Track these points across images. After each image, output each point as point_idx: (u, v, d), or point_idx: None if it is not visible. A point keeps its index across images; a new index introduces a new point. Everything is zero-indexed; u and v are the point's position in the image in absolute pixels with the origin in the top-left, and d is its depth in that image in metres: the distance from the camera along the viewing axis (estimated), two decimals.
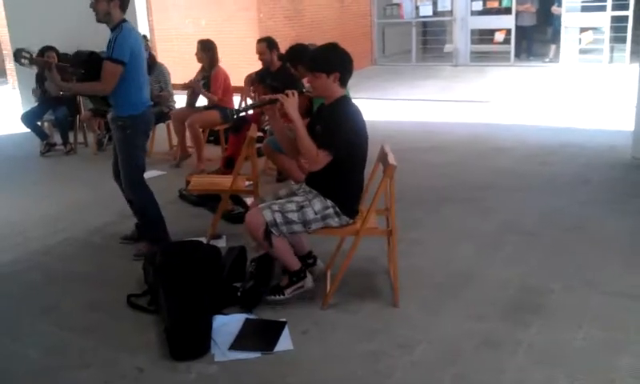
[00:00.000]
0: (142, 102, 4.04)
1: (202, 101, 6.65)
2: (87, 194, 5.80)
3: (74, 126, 7.65)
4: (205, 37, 6.60)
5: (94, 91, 3.94)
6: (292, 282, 3.42)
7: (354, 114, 3.29)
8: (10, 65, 14.13)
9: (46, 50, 7.33)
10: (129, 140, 4.01)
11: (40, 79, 7.52)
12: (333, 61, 3.28)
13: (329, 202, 3.28)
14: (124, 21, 3.91)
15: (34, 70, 7.39)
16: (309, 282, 3.45)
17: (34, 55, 4.49)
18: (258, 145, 5.19)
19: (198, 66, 6.57)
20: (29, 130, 7.47)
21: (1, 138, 8.86)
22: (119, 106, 3.98)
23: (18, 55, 4.59)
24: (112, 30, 3.91)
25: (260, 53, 6.05)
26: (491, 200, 5.05)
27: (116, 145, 4.10)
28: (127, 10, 3.97)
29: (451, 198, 5.14)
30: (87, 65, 4.07)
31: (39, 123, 7.55)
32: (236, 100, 6.87)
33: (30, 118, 7.43)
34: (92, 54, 4.18)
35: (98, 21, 3.92)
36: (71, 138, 7.57)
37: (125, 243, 4.42)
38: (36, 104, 7.59)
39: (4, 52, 14.87)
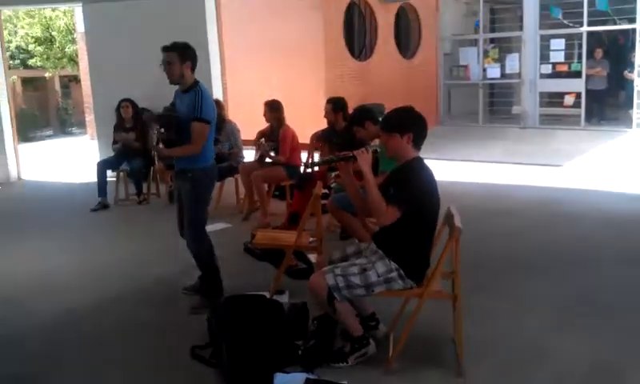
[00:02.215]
0: (212, 155, 4.23)
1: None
2: (156, 244, 5.96)
3: (147, 177, 7.96)
4: (275, 95, 6.82)
5: (187, 154, 4.06)
6: (354, 348, 3.37)
7: (427, 175, 3.29)
8: (89, 117, 14.88)
9: (122, 101, 7.74)
10: (197, 191, 4.13)
11: (118, 131, 7.89)
12: (406, 122, 3.32)
13: (393, 265, 3.24)
14: (197, 81, 4.07)
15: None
16: (372, 348, 3.39)
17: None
18: (323, 202, 5.23)
19: None
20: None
21: (77, 186, 9.29)
22: (193, 159, 4.09)
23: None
24: (185, 90, 4.06)
25: (325, 113, 6.26)
26: (563, 269, 4.85)
27: (183, 196, 4.20)
28: (203, 72, 4.13)
29: (520, 265, 4.97)
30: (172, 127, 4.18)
31: (113, 172, 7.85)
32: (303, 156, 7.00)
33: (102, 167, 7.69)
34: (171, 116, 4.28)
35: (172, 83, 4.09)
36: (145, 189, 7.87)
37: (187, 294, 4.47)
38: (113, 154, 7.94)
39: (85, 105, 15.74)
